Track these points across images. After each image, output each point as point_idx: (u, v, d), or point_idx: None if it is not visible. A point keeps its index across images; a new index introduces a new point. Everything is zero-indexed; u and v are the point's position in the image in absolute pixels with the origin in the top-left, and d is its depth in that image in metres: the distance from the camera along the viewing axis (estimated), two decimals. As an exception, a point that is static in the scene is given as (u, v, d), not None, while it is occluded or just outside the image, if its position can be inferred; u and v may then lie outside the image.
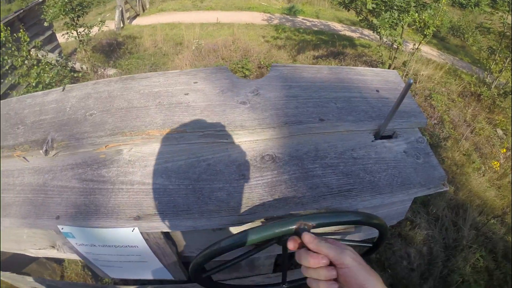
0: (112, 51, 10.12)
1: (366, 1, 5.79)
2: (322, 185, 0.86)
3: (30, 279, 2.46)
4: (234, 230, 0.95)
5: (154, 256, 1.03)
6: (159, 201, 0.86)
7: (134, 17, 14.64)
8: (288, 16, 12.42)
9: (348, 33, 10.64)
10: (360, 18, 6.71)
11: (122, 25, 12.99)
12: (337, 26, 11.44)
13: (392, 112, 0.88)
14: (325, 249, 0.56)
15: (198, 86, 1.12)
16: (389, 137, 1.02)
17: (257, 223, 0.84)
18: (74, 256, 1.26)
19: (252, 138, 0.97)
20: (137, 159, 0.97)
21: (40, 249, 1.32)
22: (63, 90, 1.26)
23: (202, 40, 9.28)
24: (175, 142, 0.98)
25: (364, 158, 0.93)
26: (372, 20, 6.12)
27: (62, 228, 0.93)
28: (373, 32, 6.46)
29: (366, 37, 10.18)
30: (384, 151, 0.96)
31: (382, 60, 6.26)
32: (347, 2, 6.63)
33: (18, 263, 2.74)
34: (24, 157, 1.14)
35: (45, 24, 6.82)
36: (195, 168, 0.91)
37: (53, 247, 1.24)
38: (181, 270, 1.16)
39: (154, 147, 0.99)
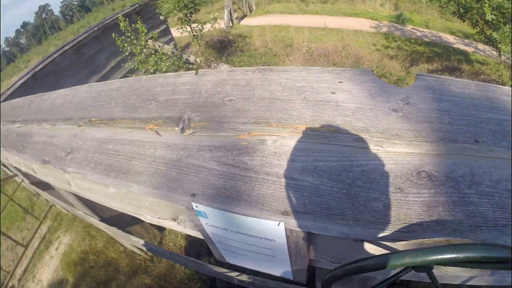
0: (224, 47, 10.77)
1: (485, 11, 5.16)
2: (478, 214, 0.75)
3: (134, 238, 2.66)
4: (392, 246, 0.87)
5: (286, 254, 0.98)
6: (309, 200, 0.80)
7: (242, 18, 15.51)
8: (396, 25, 11.92)
9: (462, 47, 9.80)
10: (476, 30, 6.05)
11: (231, 24, 13.87)
12: (449, 38, 10.63)
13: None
14: None
15: (344, 86, 1.04)
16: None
17: (411, 243, 0.77)
18: (193, 232, 1.29)
19: (407, 150, 0.88)
20: (283, 152, 0.93)
21: (159, 218, 1.36)
22: (196, 74, 1.28)
23: (312, 44, 9.34)
24: (326, 141, 0.91)
25: None
26: (491, 34, 5.47)
27: (196, 206, 0.92)
28: (493, 47, 5.80)
29: (482, 52, 9.25)
30: None
31: (502, 80, 5.58)
32: (462, 11, 6.01)
33: (123, 222, 2.99)
34: (156, 131, 1.17)
35: (161, 17, 7.47)
36: (348, 172, 0.84)
37: (174, 219, 1.27)
38: (304, 273, 1.11)
39: (301, 143, 0.93)
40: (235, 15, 14.68)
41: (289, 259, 1.01)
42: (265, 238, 0.92)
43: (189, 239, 4.13)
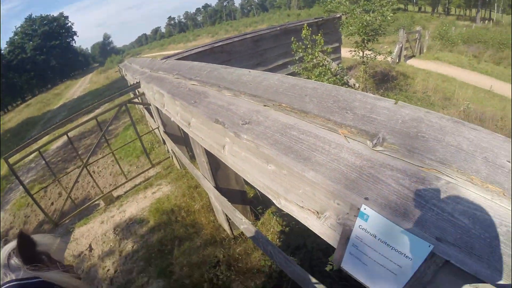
0: (384, 81, 11.00)
1: None
2: None
3: (239, 215, 2.94)
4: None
5: (408, 276, 1.10)
6: (460, 236, 0.93)
7: (410, 57, 15.62)
8: None
9: None
10: None
11: (398, 61, 14.00)
12: None
13: None
14: None
15: None
16: None
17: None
18: (325, 230, 1.46)
19: None
20: (452, 194, 1.04)
21: (302, 207, 1.56)
22: (395, 103, 1.45)
23: (472, 105, 9.02)
24: (490, 198, 1.00)
25: None
26: None
27: (364, 208, 1.09)
28: None
29: None
30: None
31: None
32: None
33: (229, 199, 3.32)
34: (346, 137, 1.37)
35: (342, 36, 8.02)
36: (496, 227, 0.94)
37: (316, 212, 1.46)
38: None
39: (470, 192, 1.03)
40: (404, 52, 14.77)
41: (407, 281, 1.12)
42: (405, 255, 1.05)
43: (278, 238, 4.29)
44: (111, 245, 5.04)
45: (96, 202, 6.37)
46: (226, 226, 4.32)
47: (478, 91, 11.25)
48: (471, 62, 15.01)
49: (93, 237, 5.38)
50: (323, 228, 1.46)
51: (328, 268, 3.23)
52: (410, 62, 15.04)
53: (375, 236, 1.12)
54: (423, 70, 13.28)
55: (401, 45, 14.21)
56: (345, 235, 1.28)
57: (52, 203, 7.18)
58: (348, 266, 1.38)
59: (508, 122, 8.36)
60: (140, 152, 7.98)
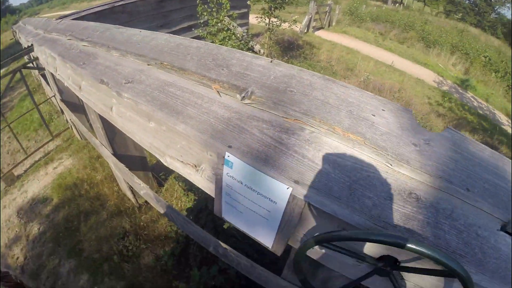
0: (290, 49, 11.13)
1: None
2: (443, 239, 0.94)
3: (137, 180, 2.86)
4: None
5: (278, 220, 1.17)
6: (319, 179, 1.01)
7: (319, 29, 16.02)
8: (458, 88, 12.02)
9: (510, 130, 9.84)
10: None
11: (306, 31, 14.32)
12: (503, 118, 10.66)
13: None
14: None
15: (384, 114, 1.24)
16: (512, 235, 1.06)
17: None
18: (204, 183, 1.49)
19: (410, 175, 1.07)
20: (315, 142, 1.13)
21: (181, 161, 1.57)
22: (271, 62, 1.50)
23: (372, 76, 9.66)
24: (351, 146, 1.11)
25: (484, 239, 0.97)
26: None
27: (228, 156, 1.13)
28: None
29: None
30: (503, 243, 0.98)
31: None
32: None
33: (130, 166, 3.20)
34: (218, 92, 1.39)
35: (248, 2, 7.87)
36: (357, 172, 1.04)
37: (195, 166, 1.47)
38: (283, 245, 1.29)
39: (332, 141, 1.13)
40: (313, 23, 15.20)
41: (278, 225, 1.20)
42: (270, 199, 1.12)
43: (182, 203, 4.30)
44: (16, 231, 4.60)
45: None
46: (130, 195, 4.20)
47: (380, 65, 12.11)
48: (376, 38, 16.05)
49: None
50: (202, 180, 1.50)
51: (225, 225, 3.36)
52: (318, 33, 15.56)
53: (241, 183, 1.17)
54: (329, 42, 13.88)
55: (310, 16, 14.62)
56: (219, 185, 1.31)
57: None
58: (228, 216, 1.43)
59: (404, 93, 9.32)
60: (38, 125, 7.24)
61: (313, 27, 15.58)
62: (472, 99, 11.37)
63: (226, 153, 1.13)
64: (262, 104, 1.25)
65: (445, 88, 11.52)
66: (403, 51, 14.86)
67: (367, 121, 1.19)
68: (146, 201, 4.22)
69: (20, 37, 7.56)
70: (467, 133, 8.19)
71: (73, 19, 5.06)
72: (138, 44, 2.18)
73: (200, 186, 1.59)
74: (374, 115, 1.22)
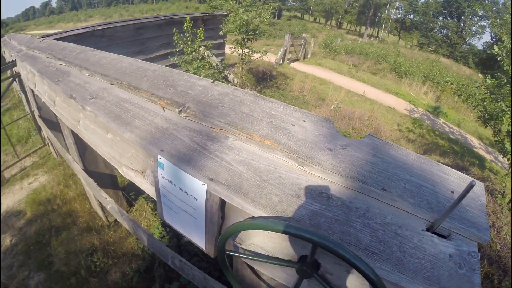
0: (264, 79, 11.46)
1: (503, 120, 5.35)
2: (353, 236, 0.98)
3: (104, 194, 3.01)
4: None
5: (203, 217, 1.34)
6: (231, 178, 1.18)
7: (294, 60, 16.54)
8: (430, 115, 12.55)
9: (482, 153, 10.26)
10: (495, 139, 6.18)
11: (281, 62, 14.85)
12: (475, 142, 11.15)
13: (449, 209, 0.93)
14: None
15: (304, 124, 1.41)
16: (442, 236, 1.03)
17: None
18: (150, 189, 1.67)
19: (321, 175, 1.18)
20: (235, 148, 1.32)
21: (132, 169, 1.77)
22: (212, 82, 1.75)
23: (342, 105, 9.96)
24: (266, 150, 1.29)
25: (405, 238, 0.99)
26: (505, 144, 5.63)
27: (160, 158, 1.32)
28: (503, 157, 5.91)
29: (499, 163, 9.62)
30: (428, 244, 0.99)
31: (503, 191, 5.60)
32: (486, 117, 6.30)
33: (101, 183, 3.37)
34: (163, 107, 1.62)
35: (220, 33, 8.23)
36: (268, 173, 1.20)
37: (142, 173, 1.67)
38: (213, 245, 1.43)
39: (249, 147, 1.32)
40: (289, 55, 15.75)
41: (204, 223, 1.36)
42: (193, 197, 1.29)
43: (150, 222, 4.43)
44: None
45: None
46: (100, 212, 4.31)
47: (352, 94, 12.60)
48: (350, 70, 16.74)
49: None
50: (148, 186, 1.69)
51: (185, 239, 3.49)
52: (293, 65, 16.12)
53: (171, 182, 1.35)
54: (303, 73, 14.36)
55: (285, 48, 15.16)
56: (158, 187, 1.50)
57: None
58: (168, 218, 1.60)
59: (374, 121, 9.59)
60: (16, 140, 7.32)
61: (289, 59, 16.13)
62: (444, 125, 11.86)
63: (159, 155, 1.33)
64: (195, 117, 1.46)
65: (416, 115, 12.04)
66: (375, 81, 15.50)
67: (285, 130, 1.36)
68: (116, 220, 4.33)
69: (4, 51, 7.71)
70: (438, 157, 8.52)
71: (54, 39, 5.24)
72: (106, 66, 2.39)
73: (148, 193, 1.76)
74: (293, 125, 1.39)
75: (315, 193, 1.12)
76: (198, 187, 1.23)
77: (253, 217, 1.12)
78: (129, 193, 4.77)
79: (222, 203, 1.30)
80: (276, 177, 1.18)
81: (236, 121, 1.42)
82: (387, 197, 1.08)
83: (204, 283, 2.23)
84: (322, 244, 0.87)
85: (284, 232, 0.92)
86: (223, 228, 1.41)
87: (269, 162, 1.26)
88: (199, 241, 1.51)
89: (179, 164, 1.26)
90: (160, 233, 4.01)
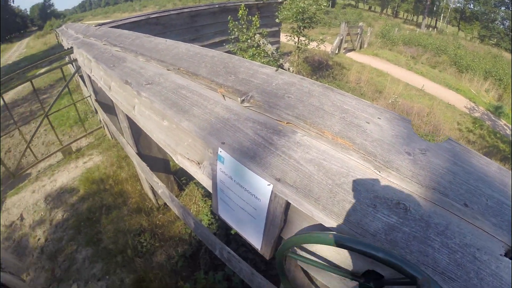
0: (319, 68, 11.25)
1: None
2: (431, 257, 0.87)
3: (155, 179, 3.03)
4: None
5: (264, 218, 1.22)
6: (301, 179, 1.05)
7: (350, 50, 16.20)
8: (491, 115, 11.60)
9: None
10: None
11: (337, 52, 14.53)
12: None
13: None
14: None
15: (379, 122, 1.26)
16: (519, 263, 0.92)
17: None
18: (207, 181, 1.58)
19: (399, 183, 1.05)
20: (304, 144, 1.18)
21: (188, 159, 1.69)
22: (276, 71, 1.61)
23: (401, 99, 9.54)
24: (339, 150, 1.15)
25: (483, 263, 0.88)
26: None
27: (220, 151, 1.22)
28: None
29: None
30: (506, 271, 0.88)
31: None
32: None
33: (153, 167, 3.40)
34: (223, 95, 1.50)
35: (277, 20, 8.08)
36: (342, 176, 1.06)
37: (198, 163, 1.58)
38: (271, 247, 1.33)
39: (320, 144, 1.18)
40: (344, 45, 15.39)
41: (264, 224, 1.25)
42: (254, 196, 1.18)
43: (200, 208, 4.45)
44: (42, 214, 4.93)
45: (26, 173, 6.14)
46: (151, 195, 4.39)
47: (410, 88, 11.95)
48: (408, 62, 15.90)
49: (24, 206, 5.22)
50: (204, 178, 1.60)
51: (233, 231, 3.43)
52: (349, 54, 15.61)
53: (231, 178, 1.25)
54: (359, 63, 13.83)
55: (341, 37, 14.73)
56: (214, 181, 1.40)
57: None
58: (223, 213, 1.51)
59: (433, 117, 9.02)
60: (74, 122, 7.70)
61: (344, 49, 15.70)
62: (505, 127, 10.90)
63: (219, 148, 1.22)
64: (259, 107, 1.34)
65: (476, 114, 11.20)
66: (434, 75, 14.61)
67: (359, 128, 1.22)
68: (165, 203, 4.40)
69: (62, 40, 8.13)
70: (498, 162, 7.83)
71: (110, 27, 5.41)
72: (163, 52, 2.35)
73: (203, 184, 1.68)
74: (368, 122, 1.25)
75: (392, 204, 0.99)
76: (262, 186, 1.11)
77: (320, 224, 1.01)
78: (180, 178, 4.82)
79: (287, 205, 1.17)
80: (349, 182, 1.05)
81: (305, 114, 1.28)
82: (468, 214, 0.95)
83: (250, 277, 2.17)
84: (404, 272, 0.78)
85: (370, 256, 0.82)
86: (284, 231, 1.30)
87: (342, 163, 1.12)
88: (255, 241, 1.41)
89: (242, 160, 1.15)
90: (209, 220, 4.02)
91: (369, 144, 1.15)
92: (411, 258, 0.87)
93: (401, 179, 1.04)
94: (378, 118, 1.29)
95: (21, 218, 5.03)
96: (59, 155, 6.44)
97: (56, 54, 5.79)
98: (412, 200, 1.00)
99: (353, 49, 16.47)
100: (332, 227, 0.97)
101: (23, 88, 13.21)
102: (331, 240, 0.87)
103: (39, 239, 4.49)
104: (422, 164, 1.09)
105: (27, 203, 5.34)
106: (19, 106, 11.04)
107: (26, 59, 24.63)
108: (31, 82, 5.49)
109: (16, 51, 34.20)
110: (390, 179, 1.06)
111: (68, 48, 5.33)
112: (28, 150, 6.04)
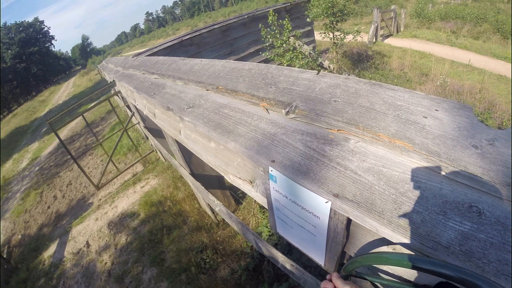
0: (360, 61, 11.02)
1: None
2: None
3: (211, 197, 3.05)
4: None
5: (325, 236, 1.15)
6: (361, 192, 0.96)
7: (387, 36, 15.68)
8: None
9: None
10: None
11: (374, 40, 14.16)
12: None
13: None
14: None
15: (437, 114, 1.15)
16: None
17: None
18: (261, 199, 1.53)
19: (469, 183, 0.94)
20: (359, 152, 1.09)
21: (239, 178, 1.65)
22: (317, 74, 1.52)
23: (449, 79, 9.05)
24: (398, 153, 1.05)
25: None
26: None
27: (271, 170, 1.16)
28: None
29: None
30: None
31: None
32: None
33: (208, 184, 3.45)
34: (266, 109, 1.44)
35: (308, 20, 8.00)
36: (405, 183, 0.97)
37: (251, 182, 1.54)
38: (334, 263, 1.25)
39: (377, 149, 1.09)
40: (380, 32, 14.91)
41: (326, 241, 1.17)
42: (313, 214, 1.11)
43: (258, 220, 4.45)
44: (106, 240, 5.28)
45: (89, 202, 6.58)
46: (209, 211, 4.45)
47: (457, 65, 11.24)
48: (449, 38, 14.89)
49: (89, 234, 5.63)
50: (258, 196, 1.55)
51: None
52: (387, 41, 15.02)
53: (286, 197, 1.18)
54: (399, 48, 13.26)
55: (376, 24, 14.15)
56: (269, 200, 1.34)
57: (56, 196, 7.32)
58: (282, 231, 1.45)
59: (486, 93, 8.38)
60: (127, 149, 8.10)
61: (381, 36, 15.13)
62: None
63: (270, 167, 1.16)
64: (305, 117, 1.26)
65: (532, 82, 10.13)
66: (479, 47, 13.55)
67: (417, 125, 1.11)
68: (223, 218, 4.45)
69: (104, 75, 8.63)
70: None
71: (146, 56, 5.62)
72: (199, 72, 2.37)
73: (259, 202, 1.63)
74: (425, 117, 1.14)
75: (464, 208, 0.87)
76: (320, 204, 1.04)
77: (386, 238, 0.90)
78: (236, 192, 4.88)
79: (348, 221, 1.09)
80: (413, 188, 0.95)
81: (355, 118, 1.18)
82: None
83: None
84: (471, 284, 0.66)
85: (444, 276, 0.69)
86: (347, 246, 1.22)
87: (403, 168, 1.01)
88: (318, 258, 1.34)
89: (295, 178, 1.08)
90: (269, 231, 4.01)
91: (431, 142, 1.04)
92: (489, 269, 0.76)
93: (471, 178, 0.93)
94: (436, 110, 1.17)
95: (87, 245, 5.38)
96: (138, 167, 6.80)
97: (99, 89, 6.11)
98: (485, 201, 0.88)
99: (390, 35, 15.81)
100: (399, 243, 0.88)
101: (75, 125, 14.22)
102: (406, 263, 0.76)
103: (105, 263, 4.78)
104: (491, 157, 0.97)
105: (91, 230, 5.74)
106: (74, 141, 11.87)
107: (75, 96, 26.53)
108: (83, 117, 5.82)
109: (65, 91, 37.08)
110: (458, 180, 0.95)
111: (110, 81, 5.62)
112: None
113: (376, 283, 1.01)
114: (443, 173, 0.97)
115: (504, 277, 0.73)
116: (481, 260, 0.77)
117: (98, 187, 6.55)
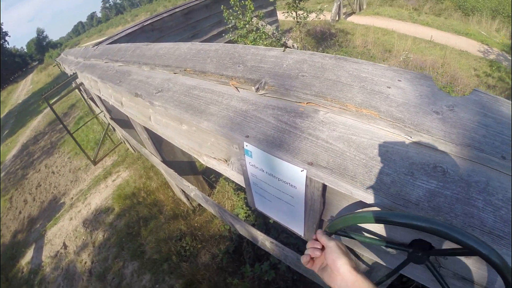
0: (323, 39, 11.08)
1: None
2: (477, 217, 0.83)
3: (186, 183, 3.04)
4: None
5: (302, 205, 1.19)
6: (333, 159, 1.01)
7: (350, 14, 15.77)
8: (507, 55, 10.98)
9: None
10: None
11: (337, 18, 14.24)
12: None
13: None
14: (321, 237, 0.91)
15: (400, 84, 1.20)
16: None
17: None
18: (237, 177, 1.56)
19: (432, 145, 1.01)
20: (329, 122, 1.14)
21: (214, 158, 1.66)
22: (283, 51, 1.55)
23: (412, 54, 9.32)
24: (365, 122, 1.10)
25: None
26: None
27: (246, 145, 1.18)
28: None
29: None
30: None
31: None
32: None
33: (180, 170, 3.42)
34: (236, 87, 1.46)
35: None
36: (374, 149, 1.02)
37: (225, 161, 1.56)
38: (313, 232, 1.30)
39: (345, 119, 1.14)
40: (343, 10, 15.02)
41: (304, 210, 1.22)
42: (289, 184, 1.14)
43: (234, 203, 4.49)
44: (83, 239, 5.17)
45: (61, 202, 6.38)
46: (184, 198, 4.44)
47: (419, 41, 11.57)
48: (411, 15, 15.25)
49: (65, 235, 5.49)
50: (234, 174, 1.58)
51: (271, 220, 3.43)
52: (350, 19, 15.23)
53: (263, 170, 1.21)
54: (362, 26, 13.50)
55: (339, 2, 14.29)
56: (246, 176, 1.37)
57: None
58: (260, 206, 1.49)
59: (448, 68, 8.77)
60: (94, 144, 7.86)
61: (344, 14, 15.28)
62: (525, 64, 10.40)
63: (244, 142, 1.19)
64: (275, 92, 1.29)
65: (492, 56, 10.67)
66: (441, 23, 14.01)
67: (381, 94, 1.17)
68: (199, 204, 4.44)
69: (64, 68, 8.28)
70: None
71: (108, 44, 5.42)
72: (164, 56, 2.33)
73: (235, 180, 1.66)
74: (389, 87, 1.19)
75: (429, 168, 0.95)
76: (296, 173, 1.08)
77: (361, 201, 0.97)
78: (209, 176, 4.89)
79: (324, 188, 1.14)
80: (382, 153, 1.01)
81: (323, 90, 1.22)
82: (507, 166, 0.90)
83: (298, 263, 2.16)
84: (447, 236, 0.73)
85: (414, 227, 0.77)
86: (324, 214, 1.27)
87: (371, 135, 1.07)
88: (297, 228, 1.39)
89: (270, 150, 1.11)
90: (245, 212, 4.06)
91: (395, 110, 1.10)
92: (457, 222, 0.83)
93: (434, 140, 1.00)
94: (399, 80, 1.24)
95: (65, 246, 5.25)
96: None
97: (60, 84, 5.86)
98: (449, 161, 0.97)
99: (353, 13, 15.99)
100: (373, 203, 0.93)
101: (38, 123, 13.61)
102: (372, 218, 0.84)
103: (85, 263, 4.69)
104: (452, 121, 1.04)
105: (67, 231, 5.59)
106: (38, 141, 11.38)
107: (35, 94, 25.18)
108: (51, 108, 5.52)
109: (23, 89, 35.09)
110: (422, 143, 1.02)
111: (71, 74, 5.39)
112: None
113: (355, 239, 1.07)
114: (408, 137, 1.04)
115: (471, 228, 0.81)
116: (449, 214, 0.85)
117: (95, 162, 6.47)
